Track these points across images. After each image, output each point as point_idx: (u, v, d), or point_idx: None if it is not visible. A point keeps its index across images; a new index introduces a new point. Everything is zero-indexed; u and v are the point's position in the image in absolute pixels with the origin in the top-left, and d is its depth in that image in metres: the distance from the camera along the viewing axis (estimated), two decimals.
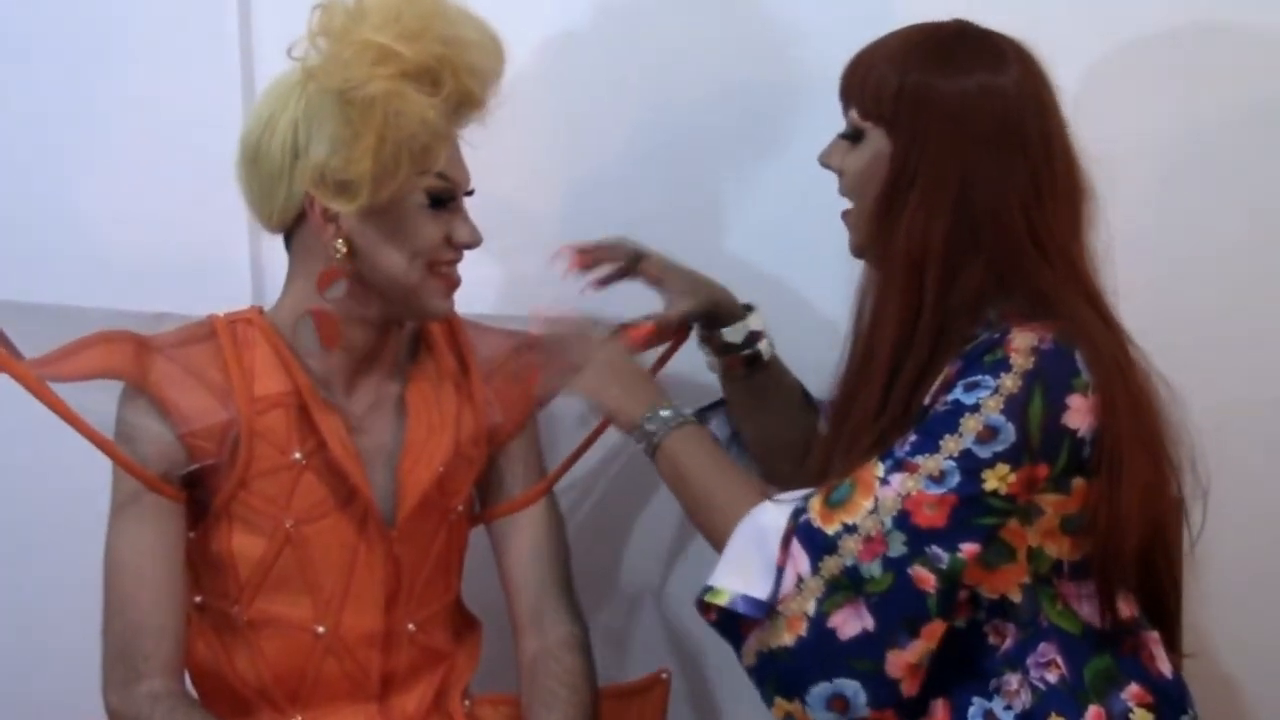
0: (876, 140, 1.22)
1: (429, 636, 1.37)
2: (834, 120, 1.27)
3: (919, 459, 1.12)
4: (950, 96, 1.18)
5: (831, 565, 1.11)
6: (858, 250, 1.28)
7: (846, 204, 1.27)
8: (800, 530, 1.13)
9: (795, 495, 1.18)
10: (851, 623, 1.10)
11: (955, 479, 1.11)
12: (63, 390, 1.19)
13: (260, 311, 1.32)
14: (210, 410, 1.24)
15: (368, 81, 1.15)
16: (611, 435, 1.50)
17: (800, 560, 1.12)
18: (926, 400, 1.17)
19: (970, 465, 1.11)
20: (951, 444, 1.11)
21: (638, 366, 1.35)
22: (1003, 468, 1.11)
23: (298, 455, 1.27)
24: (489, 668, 1.46)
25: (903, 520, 1.10)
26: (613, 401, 1.29)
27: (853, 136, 1.25)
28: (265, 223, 1.30)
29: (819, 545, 1.12)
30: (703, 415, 1.53)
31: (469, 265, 1.29)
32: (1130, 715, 1.15)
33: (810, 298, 1.61)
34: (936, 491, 1.10)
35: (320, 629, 1.30)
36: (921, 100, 1.18)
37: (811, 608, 1.11)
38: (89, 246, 1.69)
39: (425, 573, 1.36)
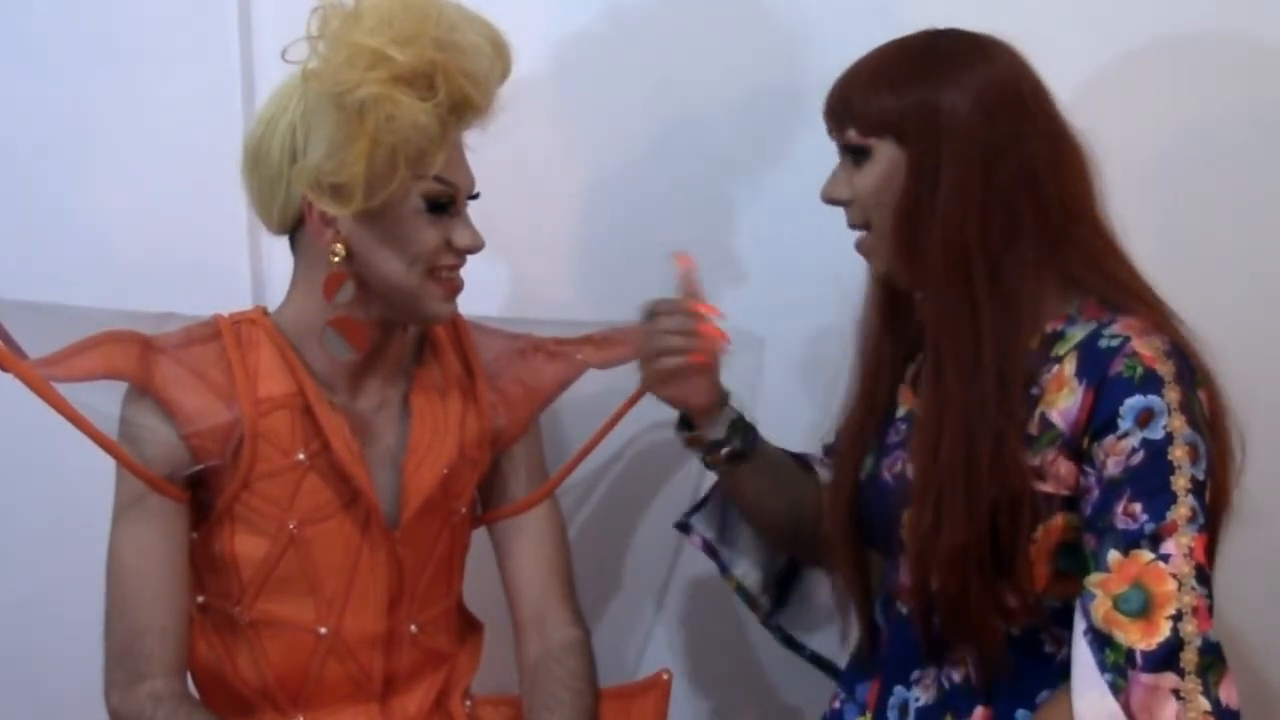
0: (886, 152, 1.17)
1: (431, 638, 1.37)
2: None
3: (1169, 515, 1.07)
4: (955, 87, 1.14)
5: (1189, 657, 1.05)
6: (885, 276, 1.24)
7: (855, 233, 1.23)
8: (1138, 680, 1.05)
9: (1082, 685, 1.08)
10: (1231, 686, 1.06)
11: (1200, 509, 1.08)
12: (66, 390, 1.18)
13: (264, 312, 1.32)
14: (214, 411, 1.24)
15: (359, 85, 1.14)
16: (613, 438, 1.50)
17: (1162, 688, 1.05)
18: (1067, 428, 1.12)
19: (1199, 489, 1.08)
20: (1180, 482, 1.08)
21: None
22: (1207, 479, 1.09)
23: (301, 456, 1.26)
24: (490, 669, 1.46)
25: (1201, 572, 1.07)
26: None
27: (856, 154, 1.19)
28: (268, 224, 1.30)
29: (1164, 658, 1.05)
30: (685, 526, 1.50)
31: (474, 268, 1.28)
32: None
33: (816, 302, 1.60)
34: (1200, 533, 1.07)
35: (322, 630, 1.30)
36: (928, 100, 1.15)
37: (1207, 705, 1.04)
38: (89, 246, 1.69)
39: (427, 574, 1.35)
